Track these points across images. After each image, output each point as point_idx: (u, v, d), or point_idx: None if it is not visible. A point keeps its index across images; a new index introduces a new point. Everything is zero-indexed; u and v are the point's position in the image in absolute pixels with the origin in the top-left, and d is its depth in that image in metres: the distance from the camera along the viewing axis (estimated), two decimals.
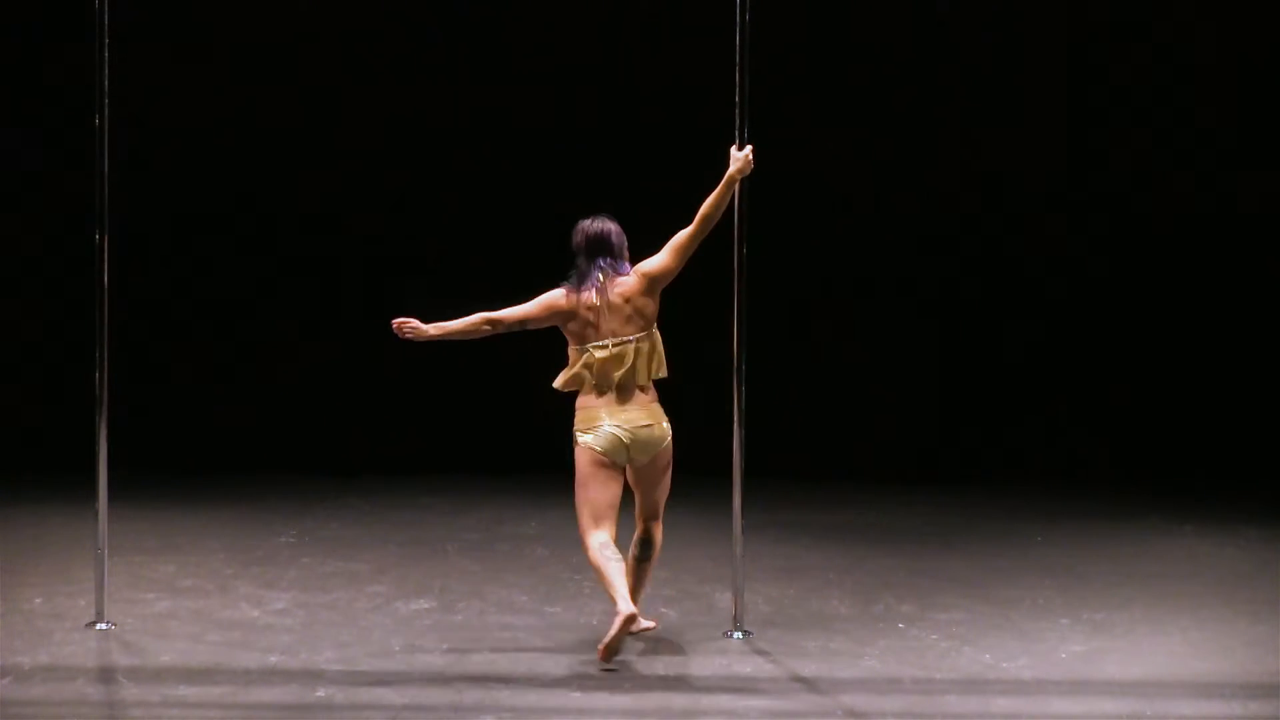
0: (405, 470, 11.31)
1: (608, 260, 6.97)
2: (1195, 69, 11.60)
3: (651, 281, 6.96)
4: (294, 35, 11.67)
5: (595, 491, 6.86)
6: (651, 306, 6.98)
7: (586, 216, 7.05)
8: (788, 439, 11.24)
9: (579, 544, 6.90)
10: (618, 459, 6.91)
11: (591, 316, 6.93)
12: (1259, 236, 11.67)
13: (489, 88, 11.74)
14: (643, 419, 6.94)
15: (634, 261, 7.02)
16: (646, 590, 7.21)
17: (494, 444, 11.65)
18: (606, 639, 6.65)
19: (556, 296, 6.99)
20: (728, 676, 6.62)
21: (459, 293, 11.87)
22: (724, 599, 7.67)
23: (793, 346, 11.41)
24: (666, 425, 7.00)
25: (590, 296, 6.94)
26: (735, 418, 7.15)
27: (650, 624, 6.97)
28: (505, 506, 10.24)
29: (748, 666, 6.77)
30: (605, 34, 11.77)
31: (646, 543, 7.08)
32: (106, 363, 7.21)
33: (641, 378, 6.97)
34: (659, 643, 7.07)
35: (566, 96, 11.72)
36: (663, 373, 7.02)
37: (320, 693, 6.30)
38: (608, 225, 7.02)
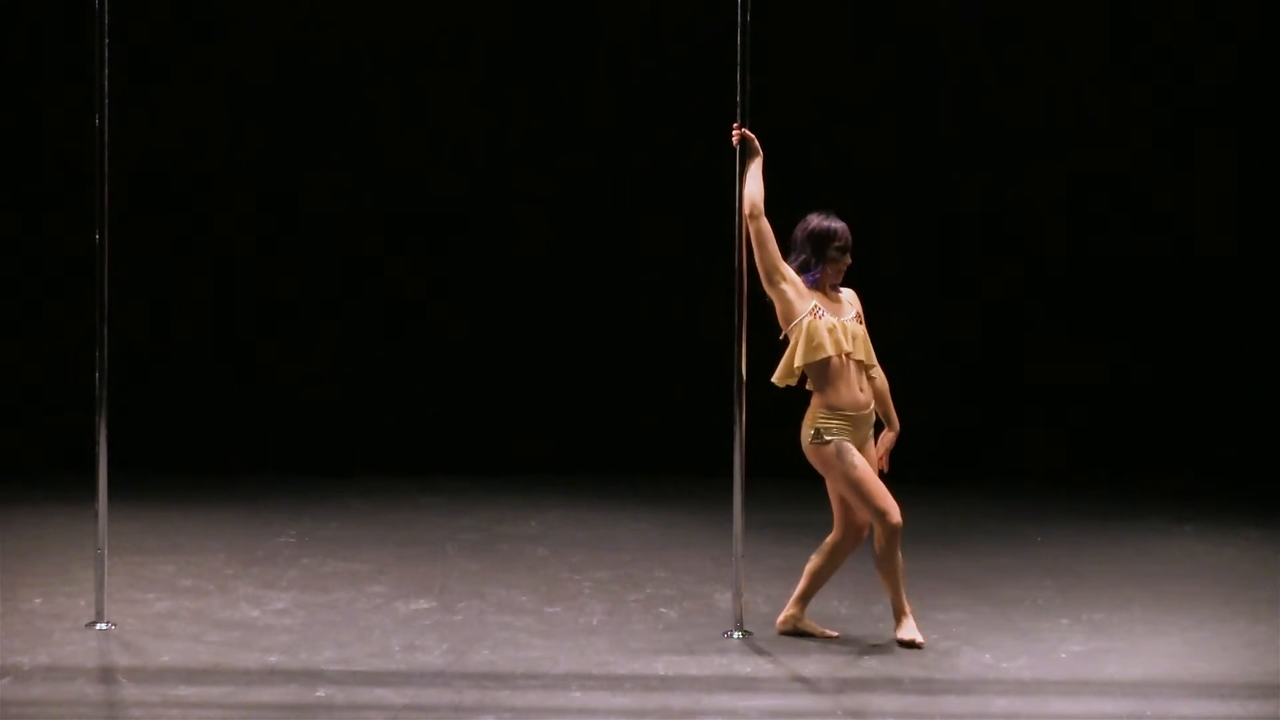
0: (405, 470, 11.31)
1: None
2: None
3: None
4: (296, 31, 11.67)
5: None
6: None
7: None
8: (788, 439, 11.22)
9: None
10: None
11: None
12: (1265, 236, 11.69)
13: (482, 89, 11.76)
14: None
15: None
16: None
17: (494, 444, 11.64)
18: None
19: None
20: (728, 676, 6.62)
21: (462, 293, 11.92)
22: (724, 599, 7.68)
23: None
24: (805, 430, 7.07)
25: None
26: (735, 418, 7.15)
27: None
28: (505, 506, 10.24)
29: (748, 666, 6.77)
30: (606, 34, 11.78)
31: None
32: (106, 363, 7.21)
33: None
34: (659, 643, 7.07)
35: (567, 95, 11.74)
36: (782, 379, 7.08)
37: (320, 693, 6.30)
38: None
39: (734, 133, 7.10)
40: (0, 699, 6.17)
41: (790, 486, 10.78)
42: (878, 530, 7.02)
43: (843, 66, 11.65)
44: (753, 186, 7.05)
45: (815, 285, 7.07)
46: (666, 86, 11.61)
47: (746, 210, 7.02)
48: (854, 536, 7.18)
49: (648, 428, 11.54)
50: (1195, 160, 11.66)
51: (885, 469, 7.16)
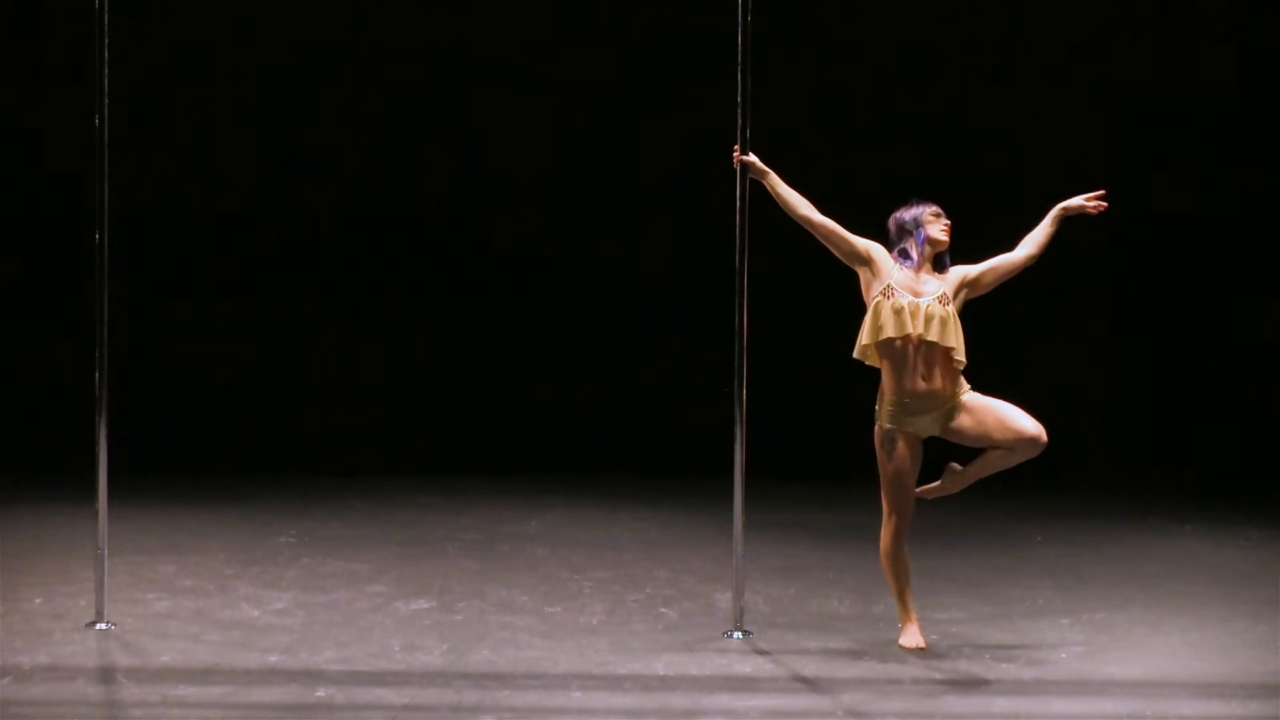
0: (405, 470, 11.31)
1: None
2: None
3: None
4: (298, 32, 11.69)
5: None
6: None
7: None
8: (788, 439, 11.24)
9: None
10: None
11: None
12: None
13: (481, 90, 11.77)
14: None
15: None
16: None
17: (494, 444, 11.65)
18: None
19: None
20: (728, 676, 6.62)
21: (461, 293, 11.93)
22: (724, 599, 7.68)
23: (791, 346, 11.42)
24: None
25: None
26: (736, 417, 7.15)
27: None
28: (505, 506, 10.24)
29: (748, 666, 6.77)
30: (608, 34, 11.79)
31: None
32: (106, 363, 7.21)
33: None
34: (659, 643, 7.07)
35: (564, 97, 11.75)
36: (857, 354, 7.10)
37: (320, 693, 6.30)
38: None
39: (734, 158, 7.12)
40: (0, 699, 6.17)
41: (790, 486, 10.84)
42: (884, 528, 7.02)
43: (843, 66, 11.67)
44: (785, 196, 7.07)
45: (920, 259, 7.04)
46: (667, 83, 11.62)
47: (797, 219, 7.05)
48: (1028, 445, 7.15)
49: (647, 427, 11.55)
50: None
51: (1104, 205, 7.10)
